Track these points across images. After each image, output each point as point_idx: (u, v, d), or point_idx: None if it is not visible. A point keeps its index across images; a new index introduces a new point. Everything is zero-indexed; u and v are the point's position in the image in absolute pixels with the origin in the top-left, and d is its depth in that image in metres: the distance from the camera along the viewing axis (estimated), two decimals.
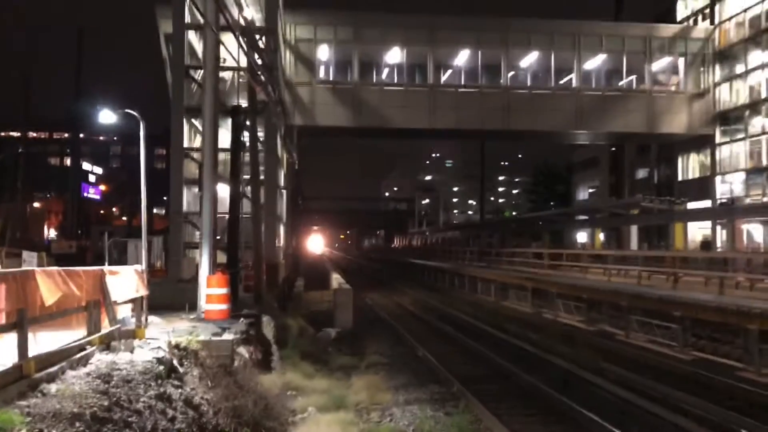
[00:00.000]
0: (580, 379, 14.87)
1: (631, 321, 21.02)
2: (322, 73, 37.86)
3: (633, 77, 40.71)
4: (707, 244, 39.33)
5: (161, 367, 9.19)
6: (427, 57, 38.38)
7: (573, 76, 39.32)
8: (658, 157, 50.81)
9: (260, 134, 26.51)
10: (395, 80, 38.58)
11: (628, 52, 39.49)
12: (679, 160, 46.06)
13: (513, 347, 19.84)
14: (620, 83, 40.33)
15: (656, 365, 16.55)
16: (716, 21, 41.69)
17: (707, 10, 43.80)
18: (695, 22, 44.94)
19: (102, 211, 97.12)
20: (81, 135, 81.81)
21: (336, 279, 35.58)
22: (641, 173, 56.43)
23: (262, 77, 21.43)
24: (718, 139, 40.89)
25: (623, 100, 39.33)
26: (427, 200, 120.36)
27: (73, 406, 6.93)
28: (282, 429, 10.77)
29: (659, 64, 40.43)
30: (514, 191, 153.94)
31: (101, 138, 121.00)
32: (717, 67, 40.63)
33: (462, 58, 38.98)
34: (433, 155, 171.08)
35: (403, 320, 27.39)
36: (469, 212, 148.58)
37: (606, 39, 39.33)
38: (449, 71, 39.87)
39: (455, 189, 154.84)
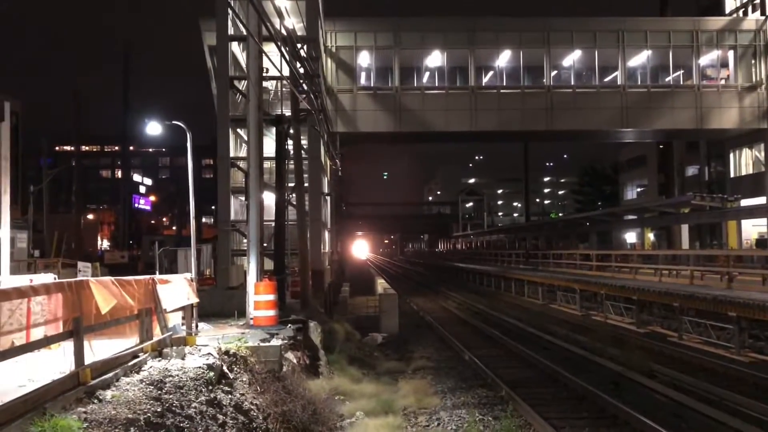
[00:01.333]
0: (632, 382, 14.57)
1: (683, 322, 20.50)
2: (363, 80, 38.06)
3: (680, 72, 39.74)
4: (763, 242, 38.06)
5: (212, 374, 9.37)
6: (468, 59, 38.22)
7: (618, 73, 38.60)
8: (709, 154, 49.41)
9: (304, 142, 26.79)
10: (436, 84, 38.50)
11: (675, 47, 38.59)
12: (731, 156, 44.71)
13: (561, 350, 19.56)
14: (667, 79, 39.41)
15: (711, 367, 16.09)
16: (767, 12, 40.39)
17: (757, 1, 42.46)
18: (745, 14, 43.61)
19: (152, 221, 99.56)
20: (131, 148, 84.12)
21: (381, 284, 35.67)
22: (691, 171, 54.94)
23: (305, 86, 21.67)
24: None
25: (670, 97, 38.43)
26: (470, 203, 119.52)
27: (128, 412, 7.13)
28: None
29: (707, 58, 39.38)
30: (560, 192, 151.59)
31: (150, 150, 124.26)
32: None
33: (503, 59, 38.69)
34: (477, 158, 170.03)
35: (449, 324, 27.29)
36: (514, 214, 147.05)
37: (651, 34, 38.50)
38: (491, 73, 39.61)
39: (499, 191, 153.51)
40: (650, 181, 65.45)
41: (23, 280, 12.78)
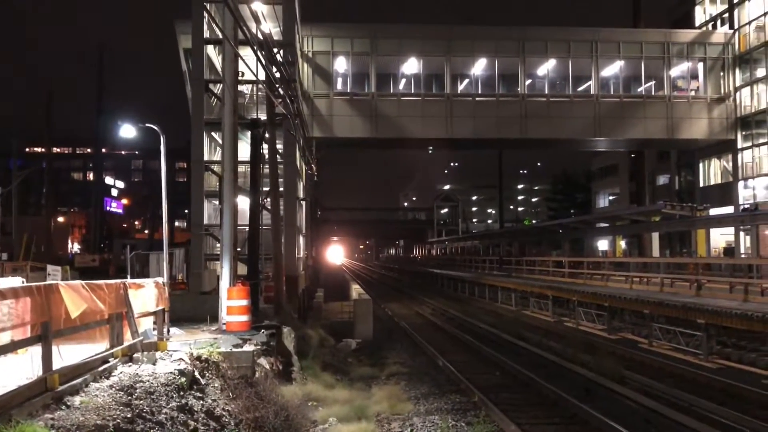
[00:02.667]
0: (603, 388, 14.73)
1: (653, 329, 20.80)
2: (339, 85, 38.07)
3: (652, 83, 40.43)
4: (730, 250, 38.80)
5: (183, 379, 9.27)
6: (444, 66, 38.46)
7: (591, 83, 39.14)
8: (679, 164, 50.32)
9: (279, 146, 26.70)
10: (412, 90, 38.66)
11: (647, 58, 39.26)
12: (701, 165, 45.56)
13: (534, 356, 19.71)
14: (639, 89, 40.06)
15: (680, 373, 16.34)
16: (735, 25, 41.30)
17: (726, 15, 43.42)
18: (714, 27, 44.54)
19: (124, 225, 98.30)
20: (103, 150, 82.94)
21: (355, 289, 35.64)
22: (662, 180, 55.90)
23: (281, 90, 21.61)
24: (739, 144, 40.37)
25: (642, 107, 39.06)
26: (446, 209, 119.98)
27: (97, 419, 7.02)
28: None
29: (678, 69, 40.13)
30: (534, 199, 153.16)
31: (123, 153, 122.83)
32: (737, 72, 40.21)
33: (479, 67, 39.01)
34: (452, 164, 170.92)
35: (423, 330, 27.34)
36: (489, 221, 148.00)
37: (624, 45, 39.13)
38: (466, 80, 39.91)
39: (474, 198, 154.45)
40: (622, 190, 66.43)
41: None
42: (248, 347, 12.40)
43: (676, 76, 40.35)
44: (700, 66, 40.12)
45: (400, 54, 38.35)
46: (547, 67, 39.19)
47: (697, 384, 15.21)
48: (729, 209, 39.93)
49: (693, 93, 40.20)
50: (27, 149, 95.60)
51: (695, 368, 16.62)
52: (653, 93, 40.12)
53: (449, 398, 14.38)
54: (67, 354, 8.52)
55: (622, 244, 52.92)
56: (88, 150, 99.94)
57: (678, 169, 50.61)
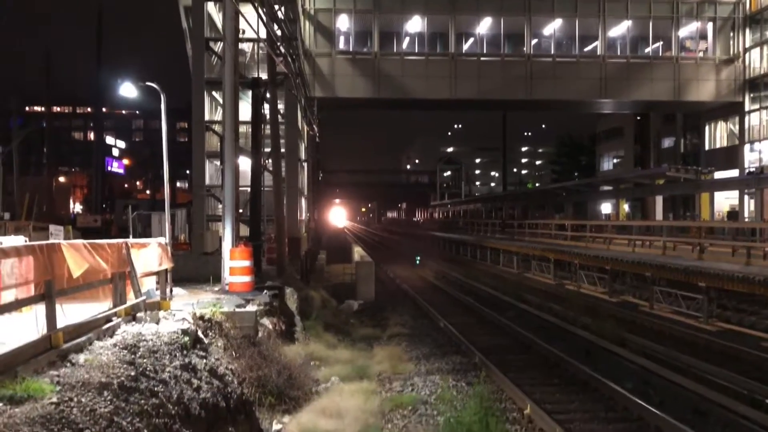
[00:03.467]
0: (603, 350, 14.85)
1: (655, 292, 20.87)
2: (341, 44, 37.55)
3: (659, 44, 39.83)
4: (734, 214, 38.72)
5: (186, 338, 9.31)
6: (448, 25, 37.87)
7: (597, 43, 38.57)
8: (685, 126, 49.85)
9: (280, 106, 26.46)
10: (416, 50, 38.15)
11: (655, 18, 38.60)
12: (706, 128, 45.14)
13: (535, 318, 19.84)
14: (646, 50, 39.50)
15: (680, 336, 16.45)
16: None
17: None
18: None
19: (126, 185, 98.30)
20: (104, 109, 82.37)
21: (357, 252, 35.76)
22: (667, 143, 55.44)
23: (282, 48, 21.32)
24: (747, 106, 39.93)
25: (649, 68, 38.56)
26: (449, 172, 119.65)
27: (101, 376, 7.07)
28: (306, 398, 10.92)
29: (687, 29, 39.48)
30: (538, 162, 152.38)
31: (124, 112, 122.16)
32: (747, 33, 39.56)
33: (484, 26, 38.40)
34: (456, 126, 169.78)
35: (425, 293, 27.48)
36: (492, 184, 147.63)
37: (632, 4, 38.43)
38: (471, 40, 39.32)
39: (477, 161, 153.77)
40: (626, 153, 65.99)
41: None
42: (251, 307, 12.45)
43: (684, 37, 39.72)
44: (710, 26, 39.47)
45: (403, 12, 37.74)
46: (553, 27, 38.59)
47: (696, 346, 15.31)
48: (734, 173, 39.73)
49: (701, 54, 39.62)
50: (27, 108, 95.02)
51: (695, 331, 16.73)
52: (661, 54, 39.56)
53: (450, 359, 14.51)
54: (71, 313, 8.54)
55: (626, 207, 52.83)
56: (89, 109, 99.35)
57: (683, 132, 50.15)
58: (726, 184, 33.14)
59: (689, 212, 41.97)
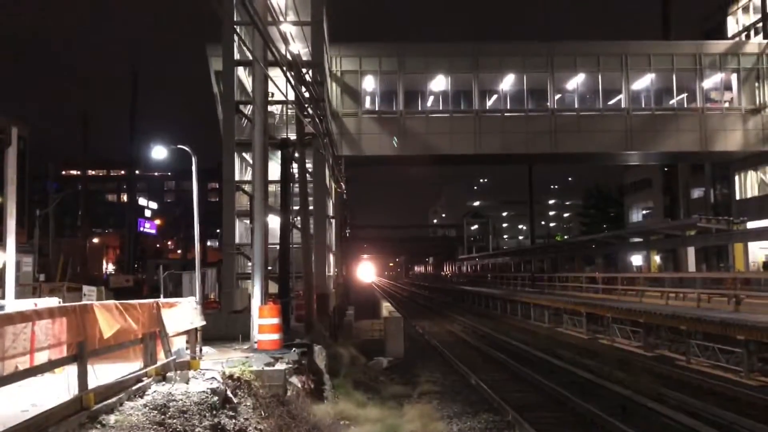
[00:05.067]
0: (640, 406, 14.40)
1: (691, 345, 20.32)
2: (367, 104, 38.28)
3: (684, 95, 39.84)
4: None
5: (215, 398, 9.29)
6: (472, 83, 38.44)
7: (621, 96, 38.73)
8: (714, 176, 49.36)
9: (309, 165, 26.90)
10: (440, 107, 38.69)
11: (678, 70, 38.76)
12: (736, 178, 44.61)
13: (568, 374, 19.38)
14: (671, 102, 39.52)
15: (721, 391, 15.91)
16: None
17: (759, 25, 42.74)
18: (747, 37, 43.87)
19: (158, 245, 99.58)
20: (137, 171, 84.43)
21: (386, 307, 35.53)
22: (696, 193, 54.86)
23: (310, 110, 21.81)
24: None
25: (674, 119, 38.50)
26: (476, 226, 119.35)
27: None
28: None
29: (711, 81, 39.50)
30: (565, 215, 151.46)
31: (156, 174, 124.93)
32: None
33: (507, 82, 38.90)
34: (482, 180, 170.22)
35: (455, 348, 27.10)
36: (520, 237, 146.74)
37: (654, 58, 38.70)
38: (494, 96, 39.78)
39: (504, 214, 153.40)
40: (655, 204, 65.37)
41: (28, 304, 12.76)
42: (280, 366, 12.40)
43: (709, 88, 39.70)
44: (734, 77, 39.44)
45: (427, 72, 38.46)
46: (576, 81, 38.94)
47: (737, 402, 14.79)
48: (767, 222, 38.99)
49: (727, 104, 39.51)
50: (63, 172, 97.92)
51: (736, 386, 16.17)
52: (686, 105, 39.52)
53: (482, 417, 14.19)
54: (102, 373, 8.61)
55: (657, 259, 51.97)
56: (122, 172, 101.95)
57: (713, 181, 49.64)
58: (760, 234, 32.49)
59: (723, 263, 41.14)
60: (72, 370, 8.11)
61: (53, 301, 15.21)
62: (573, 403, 14.83)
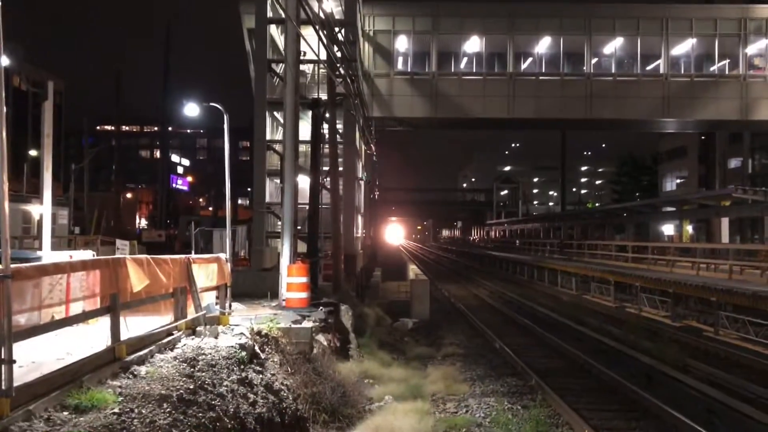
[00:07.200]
0: (665, 376, 14.35)
1: (720, 317, 20.10)
2: (400, 64, 37.84)
3: (725, 62, 38.61)
4: None
5: (243, 353, 9.50)
6: (506, 45, 37.71)
7: (660, 62, 37.69)
8: (753, 146, 48.14)
9: (339, 126, 26.84)
10: (474, 70, 38.09)
11: (721, 36, 37.51)
12: None
13: (593, 341, 19.36)
14: (712, 68, 38.37)
15: (748, 364, 15.76)
16: None
17: None
18: None
19: (189, 202, 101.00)
20: (170, 128, 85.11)
21: (413, 270, 35.71)
22: (734, 163, 53.61)
23: (341, 70, 21.67)
24: None
25: (714, 86, 37.43)
26: (505, 191, 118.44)
27: (161, 388, 7.28)
28: (359, 416, 10.94)
29: (755, 47, 38.17)
30: (597, 182, 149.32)
31: (188, 131, 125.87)
32: None
33: (543, 45, 38.08)
34: (513, 145, 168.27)
35: (480, 312, 27.21)
36: (550, 203, 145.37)
37: (696, 22, 37.48)
38: (529, 59, 39.00)
39: (535, 180, 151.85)
40: (690, 173, 64.11)
41: (63, 256, 13.10)
42: (307, 323, 12.60)
43: (752, 54, 38.41)
44: None
45: (461, 32, 37.80)
46: (614, 46, 37.94)
47: (765, 375, 14.64)
48: None
49: None
50: (98, 127, 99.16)
51: (765, 359, 15.99)
52: (727, 72, 38.36)
53: (505, 381, 14.30)
54: (134, 325, 8.84)
55: (689, 229, 51.17)
56: (155, 128, 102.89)
57: (751, 152, 48.43)
58: None
59: (757, 235, 40.35)
60: (105, 321, 8.35)
61: (88, 254, 15.60)
62: (597, 370, 14.84)
